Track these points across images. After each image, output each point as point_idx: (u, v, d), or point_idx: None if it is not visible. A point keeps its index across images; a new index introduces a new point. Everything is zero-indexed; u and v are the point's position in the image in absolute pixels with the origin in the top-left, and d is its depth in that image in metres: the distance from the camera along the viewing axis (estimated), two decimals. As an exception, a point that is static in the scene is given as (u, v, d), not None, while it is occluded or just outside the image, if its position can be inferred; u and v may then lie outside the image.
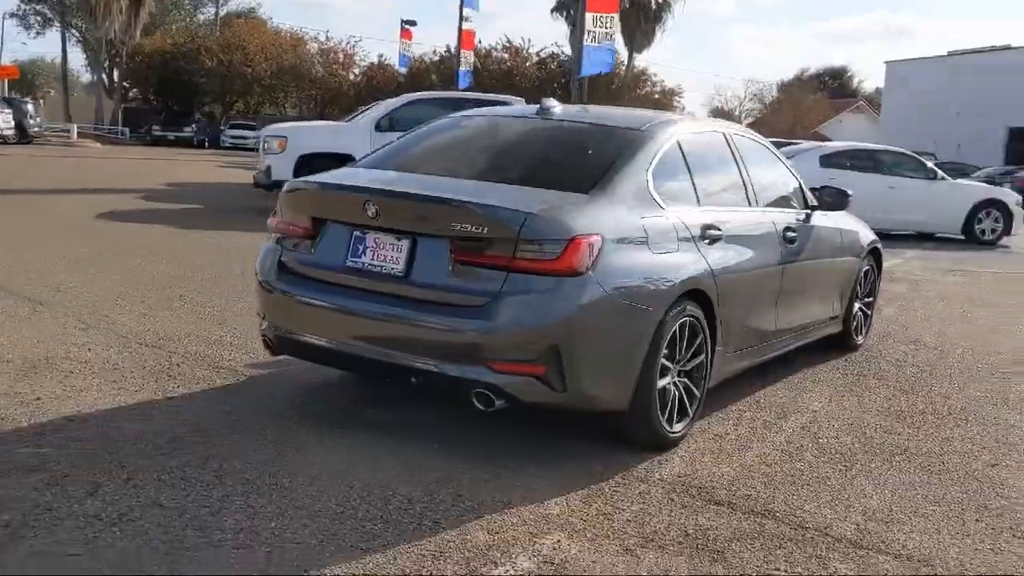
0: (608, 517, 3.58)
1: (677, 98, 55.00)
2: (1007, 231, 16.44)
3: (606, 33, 23.96)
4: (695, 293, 4.33)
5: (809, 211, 5.86)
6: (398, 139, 5.12)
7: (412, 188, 4.12)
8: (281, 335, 4.34)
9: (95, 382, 4.82)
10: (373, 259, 4.06)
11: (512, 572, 3.09)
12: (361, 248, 4.10)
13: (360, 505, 3.50)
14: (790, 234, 5.42)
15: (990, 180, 24.83)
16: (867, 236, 6.87)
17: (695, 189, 4.68)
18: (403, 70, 50.06)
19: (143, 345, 5.63)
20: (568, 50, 53.47)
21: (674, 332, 4.20)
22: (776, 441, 4.64)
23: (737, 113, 74.98)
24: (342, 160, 13.29)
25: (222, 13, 54.92)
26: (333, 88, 53.23)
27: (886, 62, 53.31)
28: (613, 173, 4.24)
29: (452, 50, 52.96)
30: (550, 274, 3.76)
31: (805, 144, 17.68)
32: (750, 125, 63.21)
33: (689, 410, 4.44)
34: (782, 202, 5.63)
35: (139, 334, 5.89)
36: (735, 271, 4.71)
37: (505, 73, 52.13)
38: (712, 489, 3.94)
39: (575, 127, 4.84)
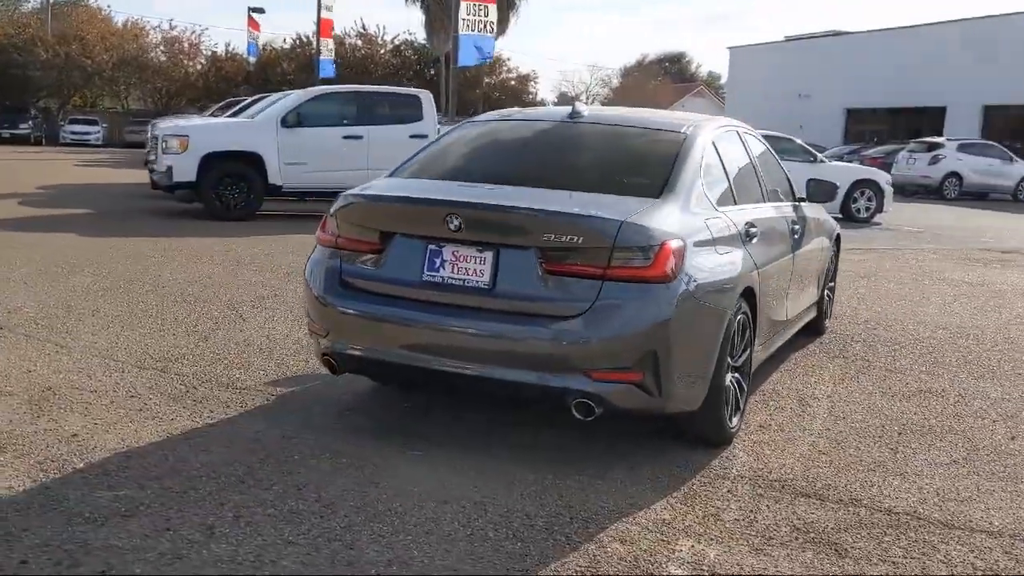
0: (717, 518, 3.66)
1: (533, 83, 55.68)
2: (879, 209, 17.50)
3: (483, 22, 23.98)
4: (747, 290, 4.46)
5: (797, 202, 6.10)
6: (428, 146, 4.99)
7: (496, 199, 4.04)
8: (349, 353, 4.20)
9: (121, 412, 4.52)
10: (453, 272, 3.98)
11: (673, 581, 3.13)
12: (438, 262, 4.01)
13: (486, 525, 3.45)
14: (795, 226, 5.64)
15: (838, 159, 26.30)
16: (832, 223, 7.21)
17: (731, 188, 4.81)
18: (252, 59, 48.61)
19: (144, 368, 5.31)
20: (421, 37, 53.35)
21: (734, 329, 4.32)
22: (815, 429, 4.83)
23: (585, 98, 76.37)
24: (250, 159, 12.91)
25: (51, 1, 51.56)
26: (179, 79, 51.01)
27: (729, 48, 55.59)
28: (675, 177, 4.30)
29: (304, 38, 51.90)
30: (644, 281, 3.79)
31: None
32: (600, 110, 64.62)
33: (741, 404, 4.57)
34: (781, 195, 5.84)
35: (129, 355, 5.55)
36: (769, 266, 4.88)
37: (360, 60, 51.28)
38: (790, 481, 4.08)
39: (618, 131, 4.87)
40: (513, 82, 54.20)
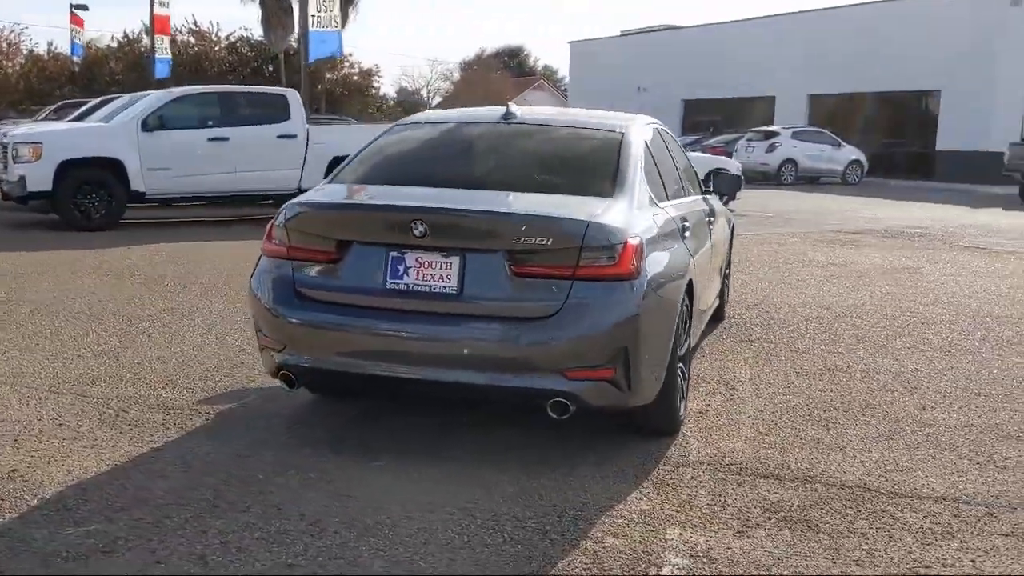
0: (692, 505, 3.79)
1: (376, 79, 55.05)
2: (731, 197, 18.28)
3: (331, 17, 23.61)
4: (689, 283, 4.62)
5: (705, 194, 6.35)
6: (363, 150, 4.88)
7: (461, 203, 4.03)
8: (307, 366, 4.09)
9: (56, 443, 4.25)
10: (418, 279, 3.94)
11: (676, 572, 3.22)
12: (401, 269, 3.96)
13: (480, 531, 3.45)
14: (709, 218, 5.88)
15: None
16: (728, 213, 7.52)
17: (663, 184, 4.96)
18: (77, 59, 46.07)
19: (61, 394, 5.01)
20: (258, 34, 51.79)
21: (683, 320, 4.48)
22: (749, 411, 5.06)
23: (425, 93, 76.16)
24: (110, 165, 12.24)
25: None
26: (-4, 80, 47.73)
27: (570, 42, 56.52)
28: (622, 175, 4.41)
29: (132, 35, 49.51)
30: (611, 279, 3.87)
31: None
32: (442, 103, 64.67)
33: (684, 393, 4.74)
34: (694, 188, 6.07)
35: (40, 381, 5.22)
36: (698, 257, 5.07)
37: (194, 58, 49.37)
38: (745, 464, 4.26)
39: (557, 132, 4.94)
40: (356, 77, 53.40)
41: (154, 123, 12.56)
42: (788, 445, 4.53)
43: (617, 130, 4.82)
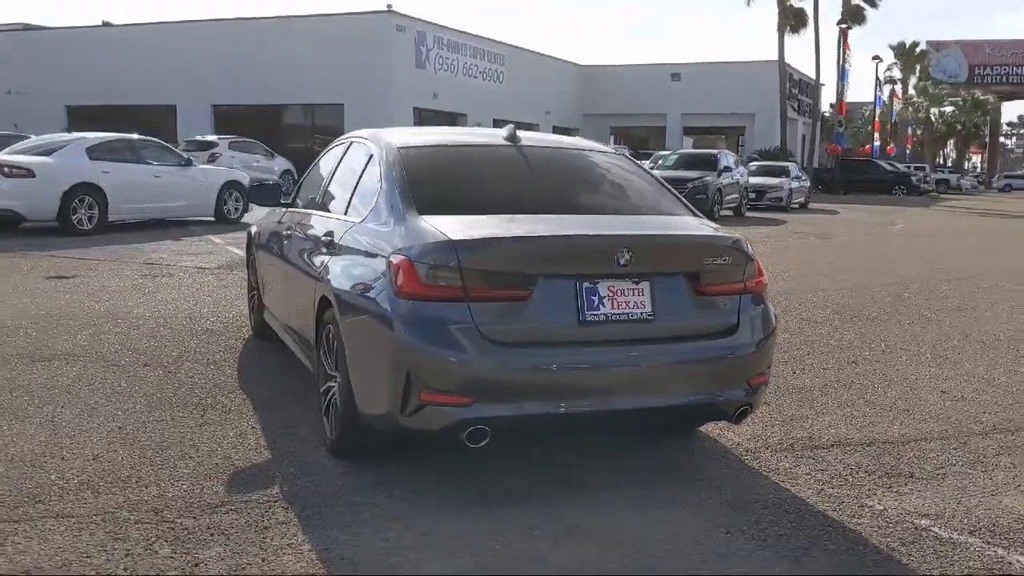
0: (835, 480, 4.37)
1: None
2: (247, 208, 18.00)
3: None
4: None
5: None
6: (389, 179, 4.41)
7: (652, 230, 4.04)
8: (506, 416, 3.71)
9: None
10: (614, 308, 3.86)
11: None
12: (596, 299, 3.84)
13: (734, 536, 3.66)
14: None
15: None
16: None
17: None
18: None
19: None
20: None
21: None
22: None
23: None
24: None
25: None
26: None
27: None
28: (674, 195, 4.74)
29: None
30: (761, 288, 4.26)
31: (68, 136, 16.12)
32: None
33: None
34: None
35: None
36: None
37: None
38: (800, 439, 4.92)
39: (581, 154, 5.06)
40: None
41: None
42: (811, 416, 5.28)
43: (614, 150, 5.11)
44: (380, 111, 35.93)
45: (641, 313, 3.93)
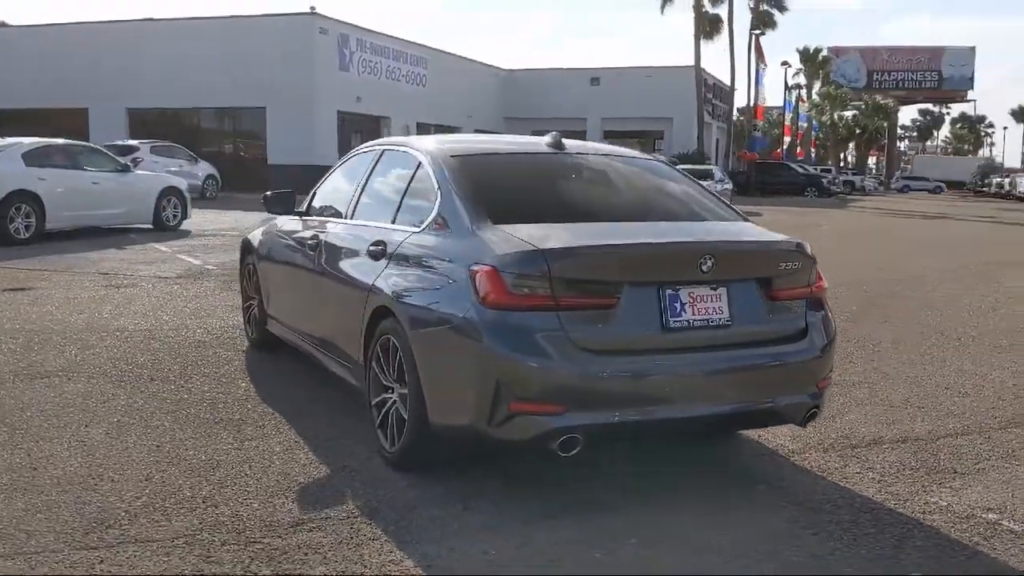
0: (853, 475, 4.49)
1: None
2: (185, 215, 17.53)
3: None
4: None
5: None
6: (489, 188, 4.43)
7: (726, 236, 4.09)
8: (599, 424, 3.71)
9: None
10: (695, 314, 3.89)
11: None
12: (679, 306, 3.87)
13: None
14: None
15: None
16: None
17: None
18: None
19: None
20: None
21: None
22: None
23: None
24: None
25: None
26: None
27: None
28: (717, 202, 4.81)
29: None
30: (821, 294, 4.35)
31: (2, 141, 15.33)
32: None
33: None
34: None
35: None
36: None
37: None
38: (838, 439, 5.02)
39: (630, 160, 5.12)
40: None
41: None
42: (856, 423, 5.38)
43: (655, 159, 5.19)
44: (303, 115, 35.44)
45: (720, 319, 3.97)
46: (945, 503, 4.14)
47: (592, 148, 5.36)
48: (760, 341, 4.08)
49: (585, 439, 3.72)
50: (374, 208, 5.15)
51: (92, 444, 4.68)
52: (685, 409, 3.91)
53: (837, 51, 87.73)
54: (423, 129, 43.40)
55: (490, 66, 51.73)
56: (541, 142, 4.94)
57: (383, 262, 4.53)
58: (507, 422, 3.73)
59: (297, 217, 6.10)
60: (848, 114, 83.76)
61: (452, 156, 4.63)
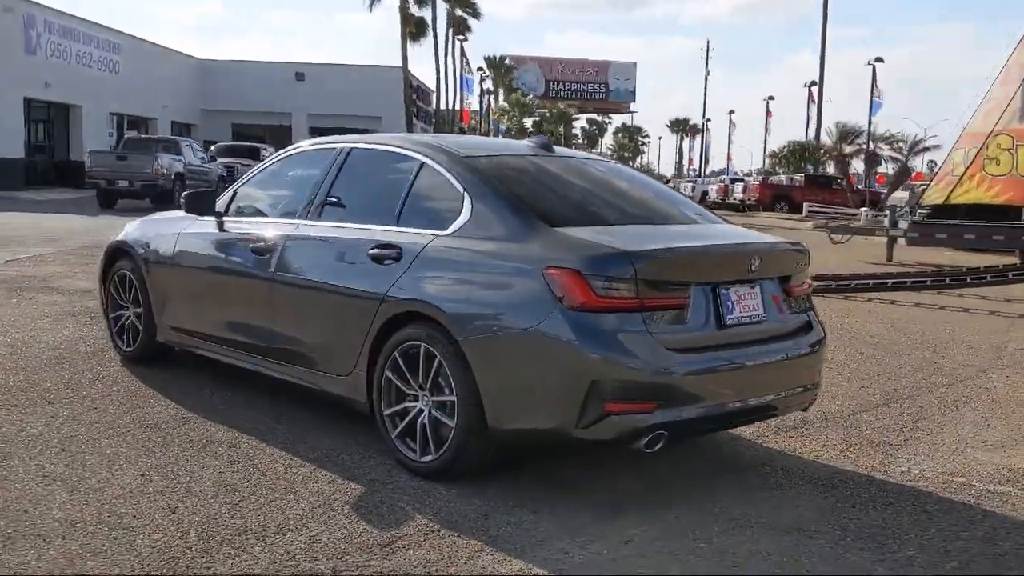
0: (889, 439, 5.02)
1: None
2: None
3: None
4: None
5: None
6: (482, 186, 4.37)
7: (759, 239, 4.46)
8: (685, 419, 3.88)
9: None
10: (742, 311, 4.17)
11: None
12: (730, 304, 4.13)
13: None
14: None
15: None
16: None
17: None
18: None
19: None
20: None
21: None
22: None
23: None
24: None
25: None
26: None
27: None
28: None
29: None
30: (810, 290, 4.79)
31: None
32: None
33: None
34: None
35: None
36: None
37: None
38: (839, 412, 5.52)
39: (616, 164, 5.29)
40: None
41: None
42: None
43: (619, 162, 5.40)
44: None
45: (757, 315, 4.27)
46: (918, 471, 4.74)
47: (567, 151, 5.51)
48: (784, 334, 4.43)
49: (674, 434, 3.89)
50: (354, 210, 4.87)
51: (62, 478, 4.07)
52: (750, 399, 4.19)
53: (518, 60, 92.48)
54: (117, 118, 40.32)
55: (185, 55, 48.93)
56: (525, 145, 5.07)
57: (399, 267, 4.34)
58: (598, 423, 3.78)
59: (214, 219, 5.57)
60: (531, 120, 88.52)
61: (466, 157, 4.55)
